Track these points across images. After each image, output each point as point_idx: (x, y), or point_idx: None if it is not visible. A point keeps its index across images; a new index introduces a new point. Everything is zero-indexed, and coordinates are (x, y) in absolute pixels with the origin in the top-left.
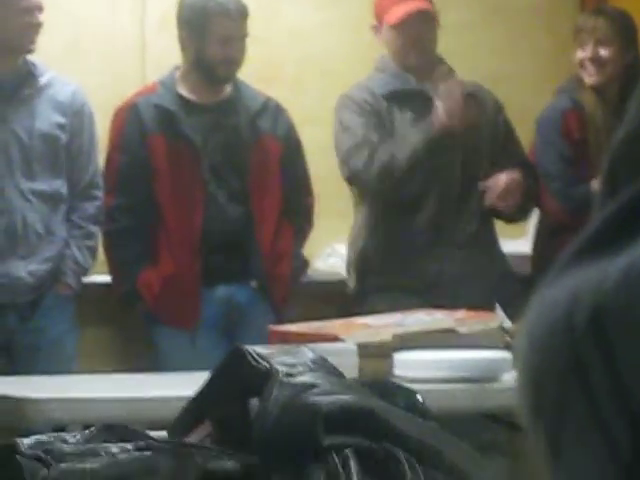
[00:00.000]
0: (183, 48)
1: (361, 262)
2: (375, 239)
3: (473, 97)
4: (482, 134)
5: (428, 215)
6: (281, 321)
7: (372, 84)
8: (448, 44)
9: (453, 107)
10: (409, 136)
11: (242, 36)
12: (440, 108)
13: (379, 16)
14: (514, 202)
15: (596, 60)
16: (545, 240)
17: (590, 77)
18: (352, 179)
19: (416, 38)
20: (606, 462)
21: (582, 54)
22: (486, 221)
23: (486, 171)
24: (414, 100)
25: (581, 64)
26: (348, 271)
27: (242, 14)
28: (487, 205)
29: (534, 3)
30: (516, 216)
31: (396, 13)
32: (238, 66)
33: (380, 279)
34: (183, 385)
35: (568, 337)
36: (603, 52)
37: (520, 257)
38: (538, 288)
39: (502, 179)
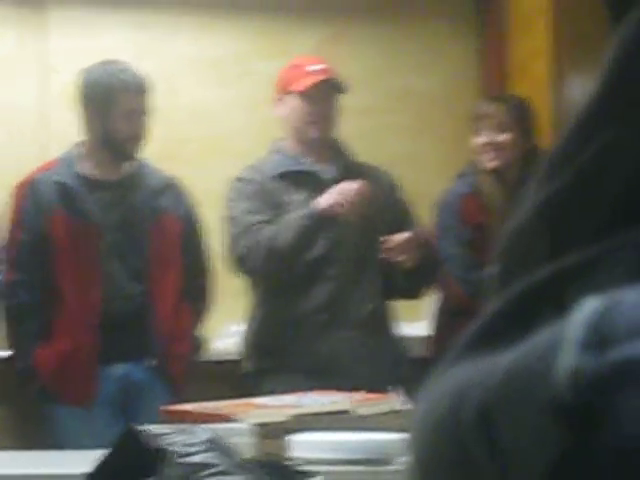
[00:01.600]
0: (86, 125)
1: (255, 343)
2: (268, 320)
3: (370, 181)
4: (377, 215)
5: (322, 296)
6: (178, 400)
7: (264, 166)
8: (351, 127)
9: (341, 196)
10: (291, 217)
11: (144, 111)
12: (328, 193)
13: (284, 87)
14: (411, 255)
15: (494, 145)
16: (444, 323)
17: (489, 162)
18: (238, 266)
19: (322, 105)
20: None
21: (481, 139)
22: (382, 303)
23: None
24: (308, 181)
25: (479, 149)
26: (244, 351)
27: (143, 89)
28: (386, 260)
29: (435, 89)
30: (414, 280)
31: (305, 81)
32: (142, 141)
33: (274, 360)
34: (77, 463)
35: (454, 432)
36: (501, 137)
37: (417, 339)
38: (427, 379)
39: (399, 235)
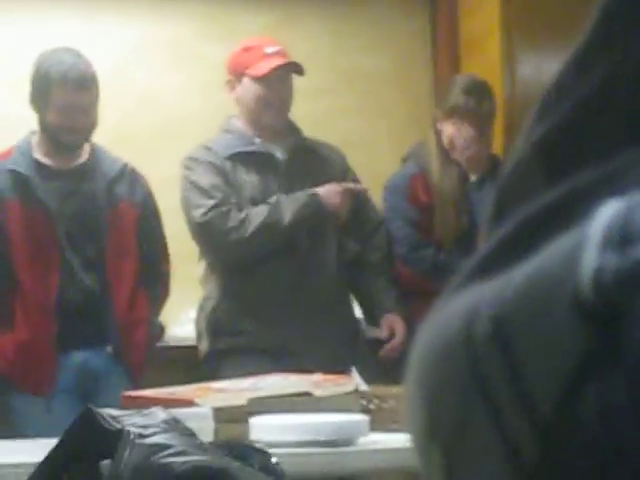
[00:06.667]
0: (35, 113)
1: (213, 323)
2: (227, 300)
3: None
4: None
5: (281, 277)
6: (137, 387)
7: (215, 146)
8: (302, 109)
9: (343, 197)
10: (288, 201)
11: (85, 105)
12: (330, 189)
13: (238, 70)
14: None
15: (472, 139)
16: None
17: (462, 154)
18: (210, 238)
19: (280, 90)
20: (508, 475)
21: (463, 132)
22: (340, 284)
23: (340, 235)
24: (260, 162)
25: (457, 139)
26: (199, 334)
27: (84, 84)
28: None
29: (387, 69)
30: (360, 237)
31: (263, 66)
32: (83, 134)
33: (232, 340)
34: (37, 451)
35: (467, 348)
36: (484, 132)
37: None
38: (430, 311)
39: (397, 341)
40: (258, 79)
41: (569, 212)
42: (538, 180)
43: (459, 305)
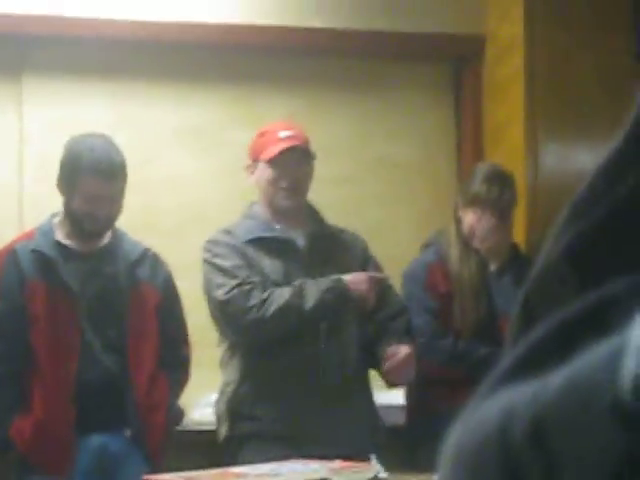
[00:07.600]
0: (61, 195)
1: (232, 408)
2: (247, 384)
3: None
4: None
5: (300, 362)
6: (155, 471)
7: (236, 230)
8: (327, 197)
9: (369, 284)
10: (313, 285)
11: (112, 195)
12: (357, 277)
13: (255, 155)
14: (408, 378)
15: (493, 229)
16: (418, 392)
17: (482, 243)
18: (232, 320)
19: (290, 172)
20: None
21: (477, 222)
22: (360, 371)
23: (361, 321)
24: (280, 248)
25: (472, 229)
26: (218, 418)
27: (114, 174)
28: (385, 373)
29: (411, 157)
30: (381, 323)
31: (273, 150)
32: (107, 223)
33: (251, 426)
34: None
35: (502, 452)
36: (505, 222)
37: (392, 408)
38: (459, 415)
39: (401, 355)
40: (269, 162)
41: (604, 318)
42: (570, 284)
43: (493, 407)
